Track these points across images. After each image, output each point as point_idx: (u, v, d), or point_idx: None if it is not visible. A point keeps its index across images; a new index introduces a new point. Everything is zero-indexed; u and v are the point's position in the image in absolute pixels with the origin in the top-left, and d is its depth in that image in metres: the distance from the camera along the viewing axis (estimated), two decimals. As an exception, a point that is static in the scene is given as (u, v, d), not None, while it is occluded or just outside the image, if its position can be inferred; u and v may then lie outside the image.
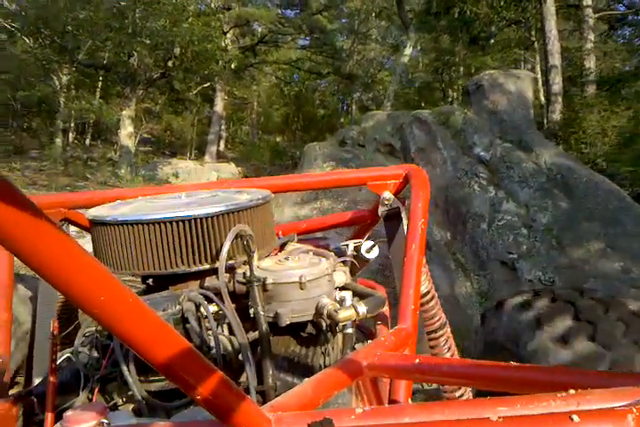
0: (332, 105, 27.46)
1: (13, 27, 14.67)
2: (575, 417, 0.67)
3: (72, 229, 2.03)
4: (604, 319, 1.88)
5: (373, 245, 1.80)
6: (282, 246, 1.71)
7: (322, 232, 2.41)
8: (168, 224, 1.38)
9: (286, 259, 1.53)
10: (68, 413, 1.04)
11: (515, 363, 0.98)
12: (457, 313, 5.12)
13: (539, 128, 11.06)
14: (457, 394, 1.94)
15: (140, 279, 1.57)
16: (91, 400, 1.33)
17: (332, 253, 1.63)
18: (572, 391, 0.78)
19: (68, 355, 1.46)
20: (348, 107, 26.45)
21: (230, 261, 1.42)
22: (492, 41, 17.47)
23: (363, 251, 1.79)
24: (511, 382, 0.95)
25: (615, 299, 2.08)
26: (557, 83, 11.75)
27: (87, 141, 19.79)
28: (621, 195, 6.26)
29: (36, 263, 0.51)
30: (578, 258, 5.53)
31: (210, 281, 1.47)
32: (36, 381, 1.67)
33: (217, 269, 1.36)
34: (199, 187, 2.04)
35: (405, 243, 1.70)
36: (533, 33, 15.97)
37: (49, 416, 1.28)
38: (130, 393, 1.30)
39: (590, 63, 13.83)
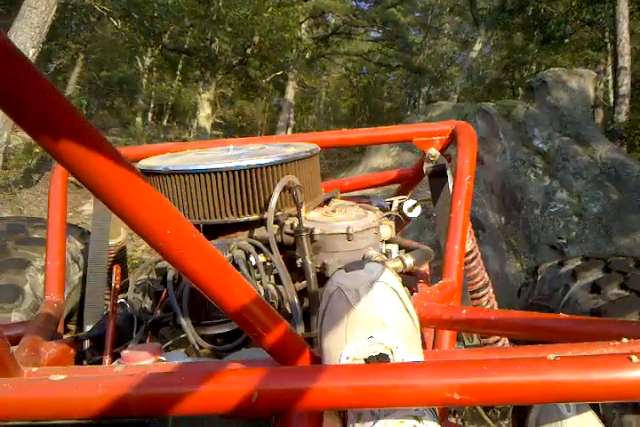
0: (399, 98, 27.58)
1: (104, 10, 15.40)
2: (634, 358, 0.65)
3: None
4: (635, 270, 1.84)
5: (415, 204, 1.78)
6: (325, 202, 1.68)
7: (363, 191, 2.37)
8: (218, 174, 1.37)
9: (333, 211, 1.53)
10: (125, 351, 1.07)
11: (563, 315, 0.97)
12: (506, 289, 5.49)
13: (606, 129, 11.23)
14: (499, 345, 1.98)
15: None
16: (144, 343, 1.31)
17: (377, 208, 1.65)
18: (625, 340, 0.77)
19: (122, 300, 1.47)
20: (415, 101, 26.39)
21: (278, 213, 1.43)
22: (567, 40, 17.40)
23: (405, 209, 1.76)
24: (560, 332, 0.94)
25: None
26: (625, 84, 11.79)
27: (164, 122, 20.66)
28: (671, 191, 6.58)
29: (110, 198, 0.54)
30: (624, 246, 5.89)
31: (258, 232, 1.47)
32: (87, 327, 1.68)
33: (265, 219, 1.37)
34: (246, 141, 2.02)
35: (451, 199, 1.65)
36: (607, 34, 15.84)
37: (107, 356, 1.32)
38: (182, 337, 1.30)
39: (663, 67, 13.75)
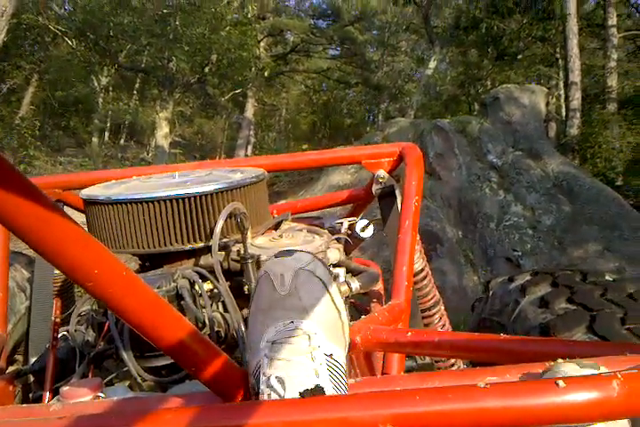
0: (358, 114, 27.82)
1: (59, 29, 15.27)
2: (560, 382, 0.67)
3: (67, 210, 1.85)
4: (581, 284, 1.85)
5: (368, 224, 1.78)
6: (276, 226, 1.67)
7: (316, 212, 2.34)
8: (162, 203, 1.36)
9: (280, 236, 1.52)
10: (65, 388, 1.05)
11: (506, 335, 0.99)
12: (464, 302, 5.53)
13: (558, 142, 11.52)
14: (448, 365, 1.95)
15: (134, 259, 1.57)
16: (87, 377, 1.29)
17: (326, 231, 1.63)
18: (560, 361, 0.79)
19: (64, 333, 1.42)
20: (375, 117, 26.62)
21: (224, 240, 1.41)
22: (520, 57, 17.82)
23: (357, 229, 1.75)
24: (502, 352, 0.96)
25: (593, 269, 2.07)
26: (577, 99, 12.12)
27: (121, 141, 20.45)
28: (621, 202, 6.77)
29: (29, 237, 0.51)
30: (577, 257, 6.03)
31: (204, 259, 1.45)
32: (32, 360, 1.62)
33: (211, 247, 1.35)
34: (195, 167, 2.00)
35: (399, 221, 1.64)
36: (558, 50, 16.29)
37: (47, 392, 1.28)
38: (125, 370, 1.28)
39: (612, 81, 14.14)
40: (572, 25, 12.26)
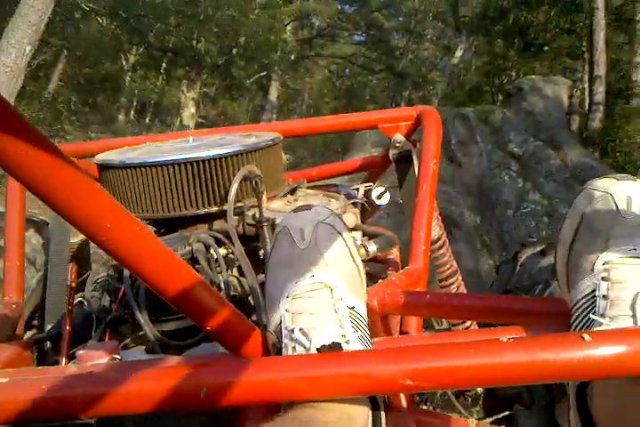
0: (381, 101, 27.77)
1: (90, 7, 15.43)
2: (586, 336, 0.65)
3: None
4: None
5: (384, 192, 1.73)
6: (292, 192, 1.63)
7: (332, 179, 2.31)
8: (176, 166, 1.33)
9: (296, 200, 1.50)
10: (81, 351, 1.05)
11: (527, 296, 1.01)
12: (479, 285, 5.71)
13: (580, 135, 11.56)
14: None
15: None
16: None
17: (342, 196, 1.62)
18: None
19: (80, 299, 1.41)
20: (397, 105, 26.45)
21: (239, 204, 1.38)
22: (546, 48, 17.73)
23: (373, 197, 1.72)
24: (523, 313, 0.93)
25: None
26: (600, 92, 12.10)
27: (147, 120, 20.66)
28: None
29: (45, 192, 0.51)
30: (591, 245, 6.20)
31: (219, 224, 1.42)
32: (49, 326, 1.60)
33: (226, 211, 1.32)
34: (208, 133, 1.96)
35: (417, 185, 1.58)
36: (584, 43, 16.19)
37: (63, 358, 1.27)
38: (141, 334, 1.26)
39: (638, 76, 14.06)
40: (600, 19, 12.22)
